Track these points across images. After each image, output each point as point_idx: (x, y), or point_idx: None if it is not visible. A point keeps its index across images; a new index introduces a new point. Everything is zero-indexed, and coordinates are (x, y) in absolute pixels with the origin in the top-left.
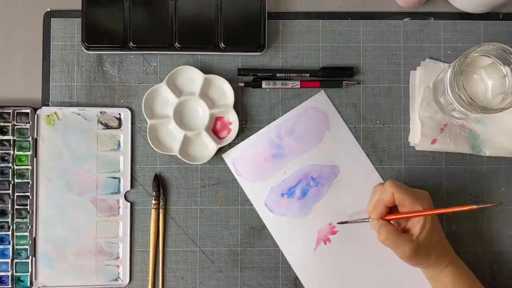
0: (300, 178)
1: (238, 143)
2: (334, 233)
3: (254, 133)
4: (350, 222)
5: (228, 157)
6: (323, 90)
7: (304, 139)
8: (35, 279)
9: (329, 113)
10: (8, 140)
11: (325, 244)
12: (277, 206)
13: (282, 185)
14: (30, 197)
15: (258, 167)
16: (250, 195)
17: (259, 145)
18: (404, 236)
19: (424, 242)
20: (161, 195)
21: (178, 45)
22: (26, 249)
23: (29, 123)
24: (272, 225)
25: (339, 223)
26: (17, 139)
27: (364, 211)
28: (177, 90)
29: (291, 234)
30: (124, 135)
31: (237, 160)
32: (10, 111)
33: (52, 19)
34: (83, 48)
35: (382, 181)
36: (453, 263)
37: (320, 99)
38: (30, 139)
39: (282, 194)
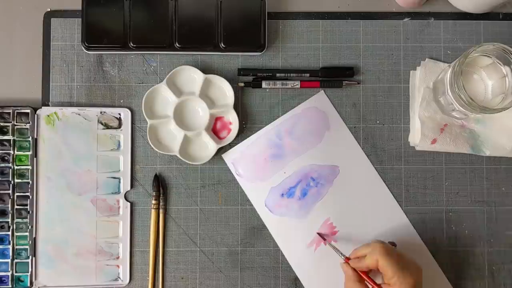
0: (300, 178)
1: (238, 143)
2: (334, 233)
3: (254, 133)
4: (328, 243)
5: (228, 157)
6: (322, 90)
7: (304, 139)
8: (35, 279)
9: (328, 113)
10: (8, 140)
11: (326, 244)
12: (277, 206)
13: (282, 185)
14: (30, 197)
15: (258, 167)
16: (250, 195)
17: (259, 145)
18: None
19: None
20: (161, 195)
21: (178, 45)
22: (26, 249)
23: (29, 123)
24: (272, 225)
25: (318, 233)
26: (17, 139)
27: (364, 213)
28: (177, 90)
29: (291, 234)
30: (124, 135)
31: (237, 160)
32: (10, 111)
33: (52, 19)
34: (83, 48)
35: (383, 241)
36: None
37: (319, 99)
38: (30, 139)
39: (282, 194)
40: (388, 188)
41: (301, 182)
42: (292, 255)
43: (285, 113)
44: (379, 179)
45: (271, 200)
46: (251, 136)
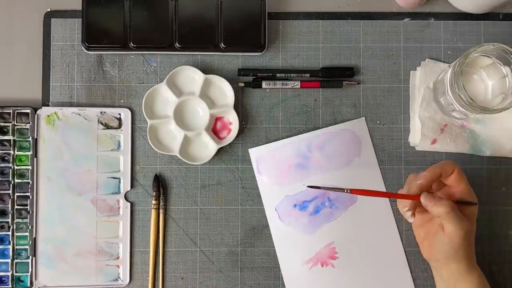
0: (317, 194)
1: (238, 143)
2: (334, 258)
3: (286, 138)
4: (322, 188)
5: (253, 152)
6: (364, 118)
7: (332, 159)
8: (35, 279)
9: (363, 141)
10: (8, 140)
11: (322, 266)
12: (287, 215)
13: (297, 196)
14: (30, 197)
15: (280, 172)
16: (263, 195)
17: (288, 151)
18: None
19: (474, 228)
20: (161, 195)
21: (178, 45)
22: (26, 249)
23: (29, 123)
24: (277, 231)
25: (309, 186)
26: (17, 139)
27: (369, 247)
28: (177, 90)
29: (292, 246)
30: (124, 135)
31: (262, 158)
32: (10, 111)
33: (52, 19)
34: (83, 48)
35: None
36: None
37: (359, 125)
38: (30, 139)
39: (295, 205)
40: (388, 188)
41: (317, 199)
42: (286, 267)
43: (321, 128)
44: (393, 222)
45: (282, 207)
46: (282, 140)
